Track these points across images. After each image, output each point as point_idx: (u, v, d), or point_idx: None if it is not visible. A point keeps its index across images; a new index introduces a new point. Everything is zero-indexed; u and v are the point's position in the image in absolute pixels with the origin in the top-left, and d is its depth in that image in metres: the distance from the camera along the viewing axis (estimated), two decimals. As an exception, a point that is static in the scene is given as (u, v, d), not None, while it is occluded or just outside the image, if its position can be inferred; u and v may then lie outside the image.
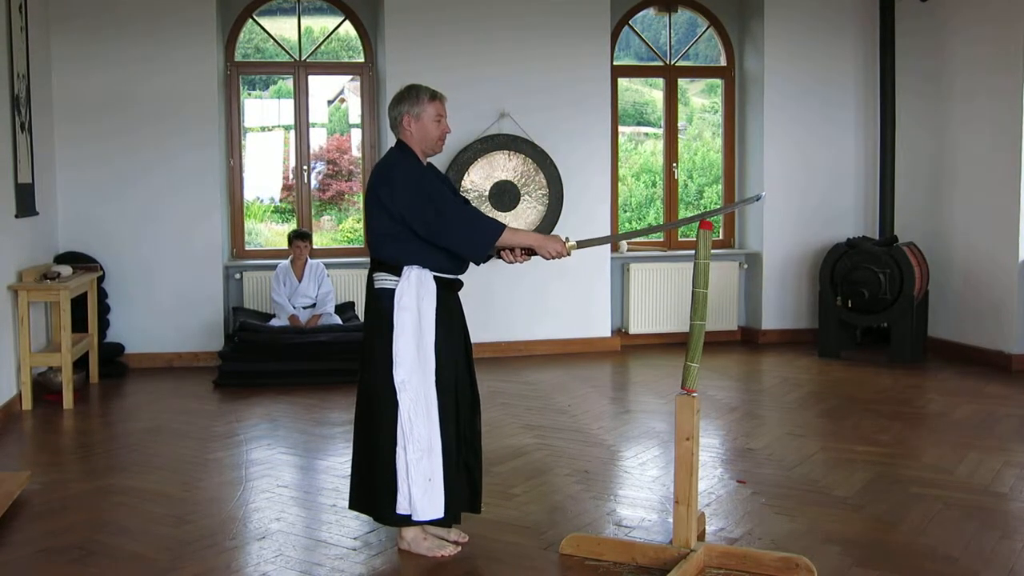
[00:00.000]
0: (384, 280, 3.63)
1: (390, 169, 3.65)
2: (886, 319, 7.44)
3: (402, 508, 3.57)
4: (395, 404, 3.54)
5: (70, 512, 4.13)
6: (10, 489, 4.11)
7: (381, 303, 3.61)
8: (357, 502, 3.72)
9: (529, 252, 3.65)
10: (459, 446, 3.66)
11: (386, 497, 3.59)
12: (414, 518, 3.56)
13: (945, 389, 6.49)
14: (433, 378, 3.56)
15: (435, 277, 3.62)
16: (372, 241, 3.70)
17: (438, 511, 3.55)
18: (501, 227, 3.59)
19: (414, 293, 3.57)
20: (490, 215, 7.54)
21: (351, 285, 7.79)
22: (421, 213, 3.53)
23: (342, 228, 9.31)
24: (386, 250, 3.63)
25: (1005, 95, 7.05)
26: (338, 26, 8.13)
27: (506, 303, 7.79)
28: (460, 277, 3.76)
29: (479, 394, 3.82)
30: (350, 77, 9.27)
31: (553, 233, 3.36)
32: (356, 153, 9.10)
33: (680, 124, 8.78)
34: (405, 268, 3.59)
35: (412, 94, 3.70)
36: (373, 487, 3.63)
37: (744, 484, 4.46)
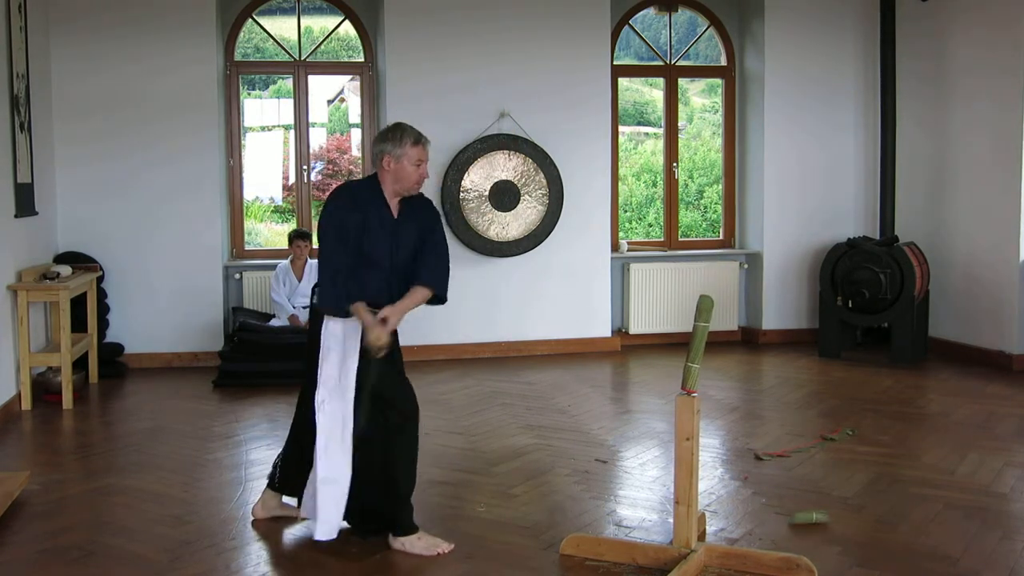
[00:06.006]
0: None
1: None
2: (887, 319, 7.43)
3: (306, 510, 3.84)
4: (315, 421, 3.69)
5: (70, 512, 4.12)
6: (10, 489, 4.11)
7: (314, 318, 3.79)
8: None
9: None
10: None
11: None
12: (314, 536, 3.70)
13: (946, 389, 6.49)
14: (351, 406, 3.65)
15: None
16: None
17: (330, 533, 3.69)
18: (339, 305, 3.59)
19: (340, 320, 3.67)
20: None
21: (351, 285, 7.77)
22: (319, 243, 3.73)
23: (342, 228, 9.30)
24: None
25: (1006, 96, 7.04)
26: (338, 26, 8.12)
27: (506, 303, 7.78)
28: (382, 299, 3.71)
29: (412, 410, 3.78)
30: (350, 77, 9.28)
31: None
32: (356, 153, 9.11)
33: (680, 124, 8.77)
34: None
35: (396, 135, 3.74)
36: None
37: (747, 479, 4.47)
